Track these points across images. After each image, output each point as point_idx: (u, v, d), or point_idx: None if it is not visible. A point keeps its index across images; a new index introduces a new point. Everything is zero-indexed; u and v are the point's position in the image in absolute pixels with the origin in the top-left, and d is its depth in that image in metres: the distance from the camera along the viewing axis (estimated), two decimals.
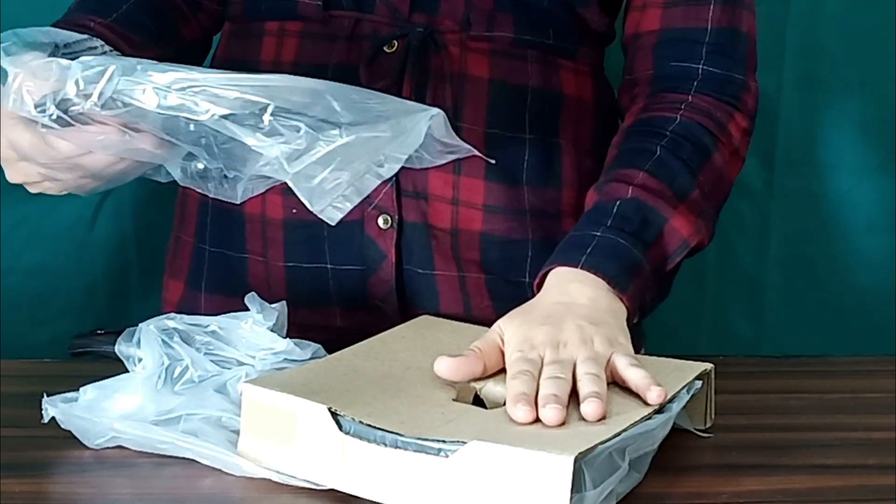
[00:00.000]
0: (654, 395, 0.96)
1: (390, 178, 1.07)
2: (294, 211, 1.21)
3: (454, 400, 0.98)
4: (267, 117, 0.94)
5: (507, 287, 1.23)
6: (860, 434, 1.06)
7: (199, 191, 1.01)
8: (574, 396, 0.96)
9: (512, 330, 1.03)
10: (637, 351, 1.12)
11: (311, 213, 1.19)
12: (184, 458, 0.97)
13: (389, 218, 1.20)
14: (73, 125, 0.97)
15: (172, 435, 0.98)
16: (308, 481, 0.93)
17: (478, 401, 1.01)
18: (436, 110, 0.98)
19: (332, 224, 0.98)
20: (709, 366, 1.04)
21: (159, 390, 1.01)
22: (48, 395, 1.01)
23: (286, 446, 0.94)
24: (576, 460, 0.85)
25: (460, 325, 1.14)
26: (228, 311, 1.06)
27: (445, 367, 0.99)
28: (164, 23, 1.26)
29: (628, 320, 1.08)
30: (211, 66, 1.28)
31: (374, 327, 1.11)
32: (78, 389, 1.02)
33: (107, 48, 1.05)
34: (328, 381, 0.98)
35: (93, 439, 0.99)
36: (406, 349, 1.07)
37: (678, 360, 1.05)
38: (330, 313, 1.23)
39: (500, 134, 1.21)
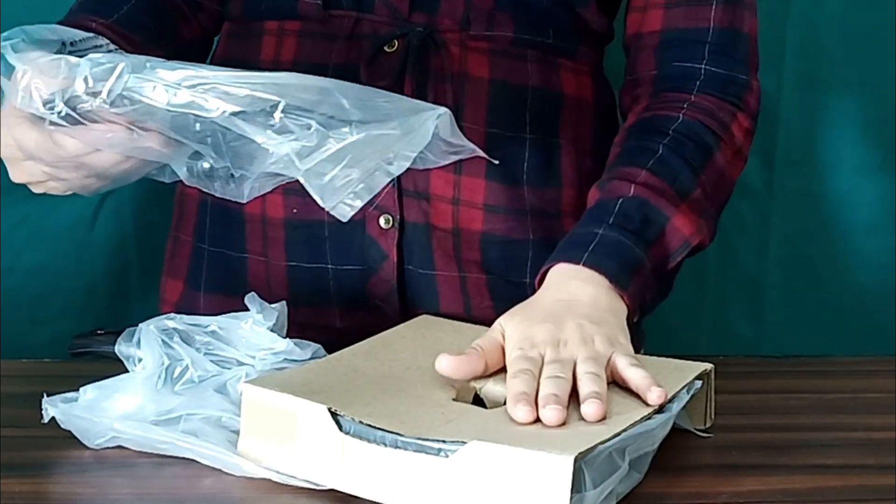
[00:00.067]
0: (655, 396, 0.96)
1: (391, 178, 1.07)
2: (295, 211, 1.22)
3: (454, 400, 0.98)
4: (278, 115, 0.94)
5: (508, 287, 1.23)
6: (860, 434, 1.06)
7: (205, 190, 1.01)
8: (574, 396, 0.96)
9: (512, 327, 1.03)
10: (637, 351, 1.12)
11: (312, 213, 1.20)
12: (184, 458, 0.97)
13: (391, 218, 1.20)
14: (81, 123, 0.97)
15: (172, 435, 0.98)
16: (308, 481, 0.93)
17: (478, 401, 1.01)
18: (443, 109, 0.98)
19: (344, 221, 0.98)
20: (709, 366, 1.04)
21: (159, 390, 1.01)
22: (48, 395, 1.01)
23: (286, 446, 0.94)
24: (576, 460, 0.85)
25: (460, 325, 1.14)
26: (228, 311, 1.06)
27: (447, 365, 0.99)
28: (165, 23, 1.26)
29: (628, 319, 1.08)
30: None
31: (374, 327, 1.11)
32: (78, 389, 1.02)
33: (112, 46, 1.05)
34: (328, 381, 0.98)
35: (93, 439, 0.99)
36: (406, 349, 1.07)
37: (678, 360, 1.05)
38: (330, 313, 1.23)
39: (501, 134, 1.21)
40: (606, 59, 1.32)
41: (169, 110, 0.95)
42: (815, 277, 1.71)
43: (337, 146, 0.94)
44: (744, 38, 1.24)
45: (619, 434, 0.90)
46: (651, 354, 1.09)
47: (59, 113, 0.96)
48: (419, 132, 0.97)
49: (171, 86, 0.94)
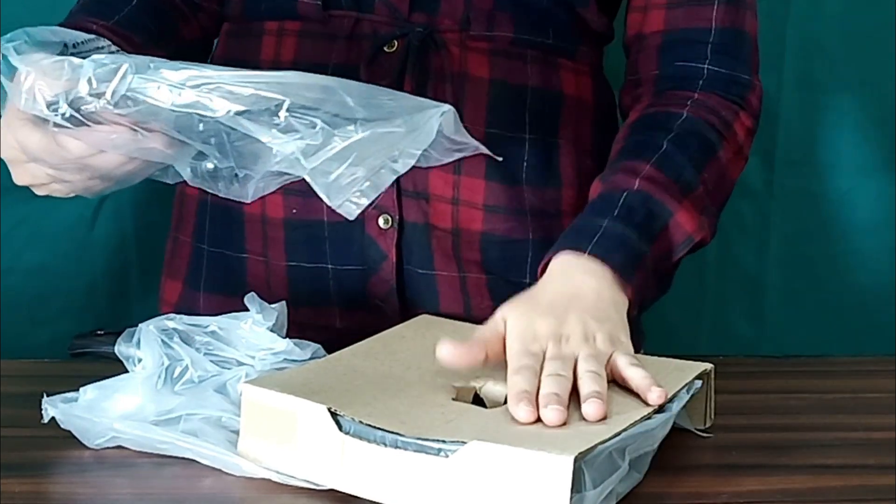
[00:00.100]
0: (655, 396, 0.96)
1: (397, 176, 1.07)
2: (294, 211, 1.21)
3: (454, 400, 0.98)
4: (283, 114, 0.94)
5: (508, 287, 1.22)
6: (860, 434, 1.06)
7: (209, 191, 1.01)
8: (574, 395, 0.96)
9: (514, 319, 1.03)
10: (637, 350, 1.12)
11: (312, 212, 1.20)
12: (184, 458, 0.97)
13: (390, 218, 1.20)
14: (85, 124, 0.97)
15: (172, 435, 0.98)
16: (308, 481, 0.93)
17: (478, 401, 1.01)
18: (447, 107, 0.98)
19: (351, 219, 0.97)
20: (709, 366, 1.04)
21: (159, 390, 1.01)
22: (48, 395, 1.01)
23: (286, 446, 0.94)
24: (576, 460, 0.85)
25: (460, 325, 1.14)
26: (227, 311, 1.06)
27: (447, 353, 0.99)
28: (165, 24, 1.26)
29: (628, 313, 1.08)
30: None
31: (374, 327, 1.11)
32: (78, 389, 1.02)
33: (114, 48, 1.05)
34: (328, 381, 0.98)
35: (93, 439, 0.99)
36: (406, 349, 1.07)
37: (678, 360, 1.05)
38: (330, 313, 1.23)
39: (500, 134, 1.21)
40: (606, 59, 1.32)
41: (173, 110, 0.94)
42: (815, 277, 1.71)
43: (342, 144, 0.94)
44: (746, 38, 1.24)
45: (619, 434, 0.90)
46: (651, 354, 1.09)
47: (63, 115, 0.96)
48: (423, 130, 0.97)
49: (175, 86, 0.94)
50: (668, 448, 0.97)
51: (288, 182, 0.99)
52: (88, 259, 1.63)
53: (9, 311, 1.60)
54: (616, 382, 1.00)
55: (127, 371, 1.03)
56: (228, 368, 1.03)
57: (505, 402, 1.00)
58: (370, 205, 1.18)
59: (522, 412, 0.93)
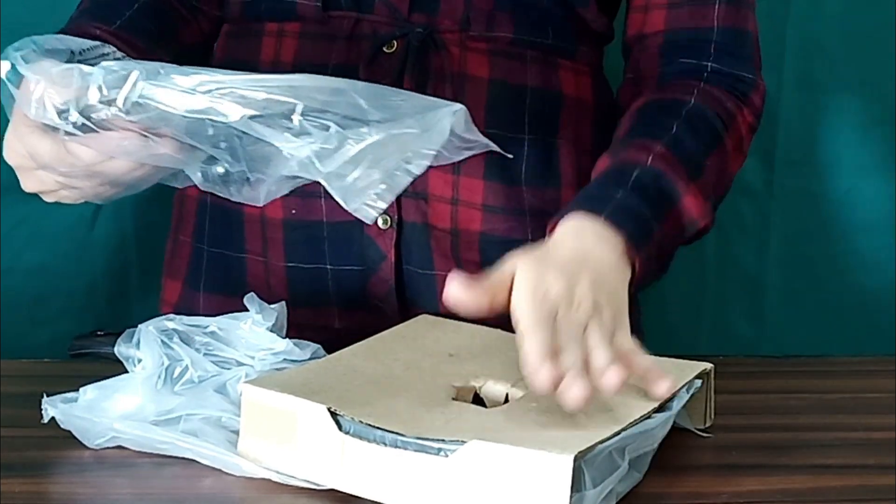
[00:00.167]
0: (664, 388, 0.95)
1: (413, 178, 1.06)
2: (293, 211, 1.21)
3: (454, 400, 0.98)
4: (297, 117, 0.93)
5: None
6: (860, 434, 1.06)
7: (220, 195, 1.00)
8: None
9: (525, 272, 0.98)
10: None
11: (311, 213, 1.20)
12: (184, 458, 0.97)
13: (389, 218, 1.20)
14: (95, 131, 0.96)
15: (172, 435, 0.98)
16: (308, 481, 0.93)
17: (478, 400, 1.01)
18: (458, 106, 0.97)
19: (369, 223, 0.97)
20: (709, 365, 1.04)
21: (159, 390, 1.01)
22: (48, 395, 1.01)
23: (286, 446, 0.94)
24: (575, 459, 0.85)
25: (460, 325, 1.14)
26: (227, 311, 1.06)
27: (454, 294, 0.96)
28: (166, 27, 1.26)
29: (629, 289, 1.06)
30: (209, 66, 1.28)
31: (373, 327, 1.11)
32: (78, 389, 1.02)
33: (119, 54, 1.04)
34: (328, 381, 0.98)
35: (93, 439, 0.99)
36: (406, 349, 1.07)
37: (678, 360, 1.05)
38: (329, 314, 1.23)
39: (500, 134, 1.21)
40: (606, 59, 1.32)
41: (185, 116, 0.94)
42: (815, 277, 1.71)
43: (357, 147, 0.93)
44: (748, 37, 1.25)
45: (618, 433, 0.90)
46: (651, 354, 1.09)
47: (74, 122, 0.95)
48: (436, 129, 0.96)
49: (186, 91, 0.94)
50: (668, 448, 0.98)
51: (300, 185, 0.99)
52: (88, 259, 1.63)
53: (9, 311, 1.60)
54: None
55: (127, 371, 1.03)
56: (228, 368, 1.03)
57: (505, 402, 1.00)
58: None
59: (544, 376, 0.91)
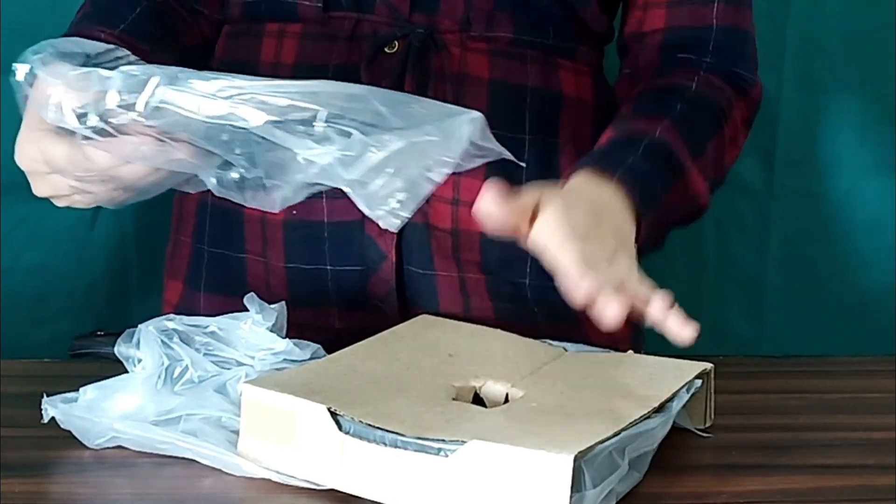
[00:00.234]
0: (690, 332, 0.94)
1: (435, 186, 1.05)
2: (294, 212, 1.21)
3: (454, 400, 0.99)
4: (320, 124, 0.93)
5: (507, 287, 1.23)
6: (860, 434, 1.06)
7: (234, 200, 0.99)
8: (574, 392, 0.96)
9: (552, 199, 0.98)
10: (637, 351, 1.12)
11: (311, 214, 1.20)
12: (184, 458, 0.97)
13: None
14: (113, 136, 0.95)
15: (172, 435, 0.98)
16: (308, 481, 0.93)
17: (478, 400, 1.01)
18: (476, 113, 0.96)
19: (394, 231, 0.96)
20: (708, 365, 1.04)
21: (159, 390, 1.01)
22: (48, 395, 1.01)
23: (286, 446, 0.94)
24: (575, 459, 0.85)
25: (460, 325, 1.14)
26: (227, 311, 1.06)
27: (486, 205, 0.95)
28: (168, 31, 1.26)
29: None
30: (210, 69, 1.28)
31: (373, 327, 1.11)
32: (78, 389, 1.02)
33: (132, 58, 1.03)
34: (328, 381, 0.98)
35: (93, 439, 0.99)
36: (406, 349, 1.07)
37: (678, 360, 1.05)
38: (329, 314, 1.23)
39: (501, 134, 1.20)
40: (606, 59, 1.32)
41: (205, 122, 0.93)
42: (815, 277, 1.71)
43: (380, 155, 0.92)
44: (747, 36, 1.26)
45: (618, 433, 0.90)
46: (651, 354, 1.09)
47: (93, 127, 0.94)
48: (454, 137, 0.95)
49: (206, 96, 0.93)
50: (668, 448, 0.98)
51: (315, 191, 0.98)
52: (88, 259, 1.63)
53: (9, 311, 1.60)
54: (612, 383, 1.00)
55: (127, 371, 1.03)
56: (228, 368, 1.03)
57: (505, 402, 1.00)
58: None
59: (588, 285, 0.91)
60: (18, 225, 1.60)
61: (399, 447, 0.90)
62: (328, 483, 0.93)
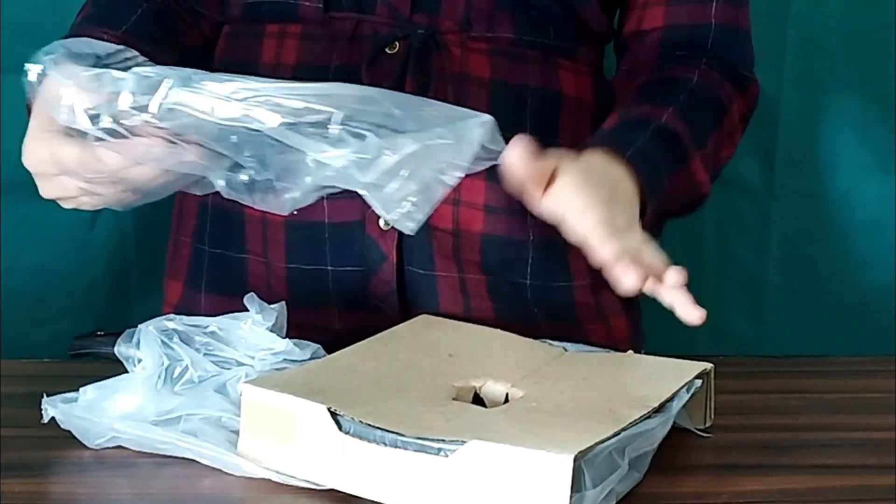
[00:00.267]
0: (698, 315, 0.96)
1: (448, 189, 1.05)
2: (295, 212, 1.21)
3: (454, 400, 0.99)
4: (336, 127, 0.92)
5: (508, 288, 1.23)
6: (860, 434, 1.06)
7: (243, 202, 0.99)
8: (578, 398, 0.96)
9: (572, 166, 0.99)
10: (637, 351, 1.12)
11: (312, 214, 1.20)
12: (184, 458, 0.97)
13: None
14: (125, 137, 0.95)
15: (172, 435, 0.98)
16: (308, 481, 0.93)
17: (478, 400, 1.01)
18: (487, 116, 0.96)
19: (411, 234, 0.96)
20: (708, 365, 1.04)
21: (159, 390, 1.01)
22: (48, 395, 1.01)
23: (286, 446, 0.94)
24: (575, 459, 0.85)
25: (460, 325, 1.14)
26: (228, 312, 1.06)
27: (516, 155, 0.96)
28: (169, 32, 1.25)
29: None
30: (210, 70, 1.28)
31: (373, 328, 1.11)
32: (78, 389, 1.02)
33: (140, 58, 1.03)
34: (328, 381, 0.98)
35: (93, 439, 0.99)
36: (406, 349, 1.07)
37: (678, 360, 1.05)
38: (329, 314, 1.23)
39: (502, 134, 1.21)
40: (606, 58, 1.32)
41: (219, 124, 0.93)
42: (815, 277, 1.71)
43: (395, 158, 0.92)
44: (745, 35, 1.27)
45: (618, 433, 0.90)
46: (651, 354, 1.09)
47: (105, 128, 0.94)
48: (466, 140, 0.95)
49: (220, 98, 0.93)
50: (668, 448, 0.97)
51: (325, 194, 0.98)
52: (88, 259, 1.63)
53: (9, 311, 1.60)
54: (612, 385, 1.00)
55: (127, 371, 1.03)
56: (228, 368, 1.03)
57: (504, 402, 1.00)
58: (368, 206, 1.18)
59: (614, 247, 0.93)
60: (18, 225, 1.60)
61: (399, 447, 0.90)
62: (328, 483, 0.93)
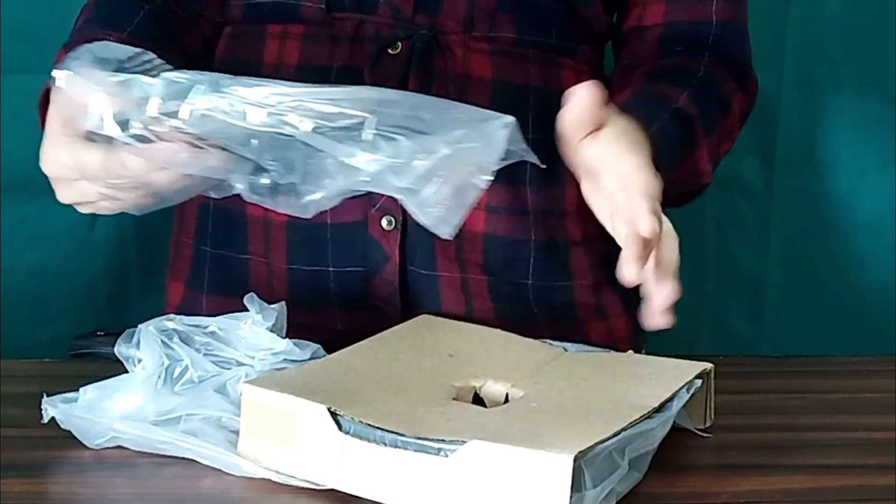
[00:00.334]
0: (660, 322, 0.97)
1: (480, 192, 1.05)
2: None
3: (454, 400, 0.99)
4: (370, 131, 0.92)
5: (509, 288, 1.23)
6: (860, 434, 1.06)
7: (264, 206, 0.98)
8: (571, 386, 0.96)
9: (614, 122, 1.01)
10: (637, 351, 1.12)
11: (315, 216, 1.20)
12: (184, 458, 0.97)
13: (393, 219, 1.20)
14: (152, 142, 0.94)
15: (172, 435, 0.98)
16: (308, 481, 0.93)
17: (478, 400, 1.01)
18: (509, 118, 0.96)
19: (449, 238, 0.95)
20: (708, 365, 1.04)
21: (159, 390, 1.01)
22: (48, 395, 1.01)
23: (286, 446, 0.94)
24: (575, 459, 0.85)
25: (460, 325, 1.14)
26: (229, 313, 1.06)
27: (585, 92, 0.98)
28: (171, 34, 1.25)
29: None
30: (211, 70, 1.28)
31: (374, 328, 1.11)
32: (78, 389, 1.02)
33: (157, 61, 1.02)
34: (328, 381, 0.98)
35: (93, 439, 0.99)
36: (406, 349, 1.07)
37: (678, 360, 1.05)
38: (331, 315, 1.23)
39: None
40: (606, 58, 1.32)
41: (250, 129, 0.92)
42: (815, 277, 1.71)
43: (429, 162, 0.92)
44: (744, 32, 1.27)
45: (618, 433, 0.90)
46: (651, 354, 1.09)
47: (134, 134, 0.93)
48: (493, 142, 0.94)
49: (252, 104, 0.92)
50: (668, 448, 0.97)
51: (347, 197, 0.97)
52: (88, 259, 1.63)
53: (9, 311, 1.60)
54: (613, 385, 1.00)
55: (127, 371, 1.03)
56: (228, 368, 1.03)
57: (504, 402, 1.00)
58: (371, 206, 1.19)
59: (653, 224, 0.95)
60: (18, 225, 1.60)
61: (399, 447, 0.90)
62: (328, 483, 0.93)
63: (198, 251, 1.29)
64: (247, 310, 1.05)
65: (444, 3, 1.21)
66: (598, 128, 1.01)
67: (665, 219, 0.99)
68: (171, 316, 1.05)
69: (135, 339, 1.03)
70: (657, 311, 0.97)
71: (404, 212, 1.20)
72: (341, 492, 0.92)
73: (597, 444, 0.88)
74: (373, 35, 1.21)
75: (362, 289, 1.22)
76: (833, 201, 1.70)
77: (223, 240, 1.27)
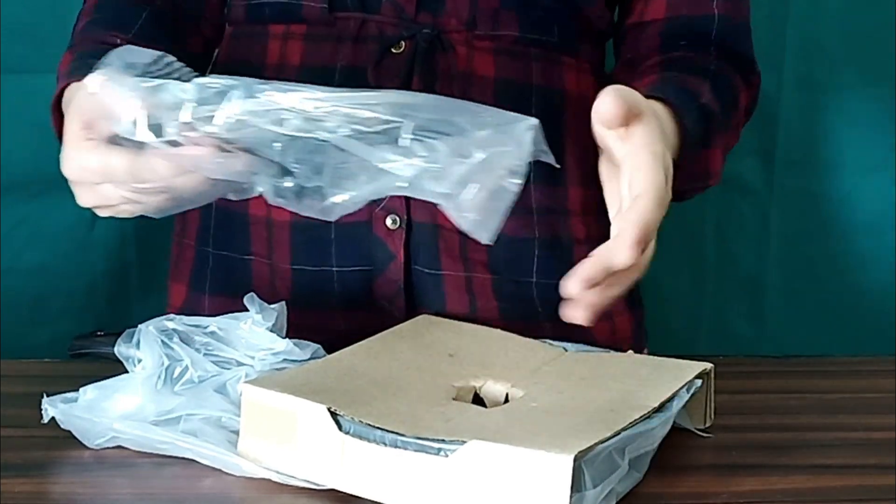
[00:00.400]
0: (576, 316, 0.96)
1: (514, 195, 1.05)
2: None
3: (454, 400, 0.99)
4: (407, 136, 0.91)
5: (513, 287, 1.23)
6: (860, 434, 1.06)
7: (289, 209, 0.97)
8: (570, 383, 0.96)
9: (648, 117, 0.99)
10: (639, 351, 1.12)
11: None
12: (184, 458, 0.97)
13: (398, 218, 1.20)
14: (178, 146, 0.94)
15: (172, 435, 0.98)
16: (308, 481, 0.93)
17: (478, 400, 1.01)
18: (534, 120, 0.95)
19: (490, 243, 0.95)
20: (709, 365, 1.04)
21: (159, 390, 1.01)
22: (48, 395, 1.01)
23: (286, 446, 0.94)
24: (575, 459, 0.85)
25: (461, 325, 1.14)
26: (232, 313, 1.06)
27: (612, 96, 0.96)
28: (171, 35, 1.25)
29: None
30: (212, 71, 1.28)
31: (377, 328, 1.11)
32: (78, 389, 1.02)
33: (177, 64, 1.01)
34: (328, 381, 0.98)
35: (93, 439, 0.99)
36: (406, 349, 1.07)
37: (678, 360, 1.05)
38: (333, 315, 1.23)
39: None
40: (607, 57, 1.32)
41: (286, 134, 0.92)
42: (815, 277, 1.71)
43: (464, 167, 0.92)
44: (747, 28, 1.28)
45: (618, 433, 0.90)
46: (651, 354, 1.09)
47: (166, 140, 0.93)
48: (522, 145, 0.94)
49: (287, 109, 0.92)
50: (668, 448, 0.98)
51: (372, 200, 0.97)
52: (88, 259, 1.63)
53: (9, 311, 1.60)
54: (614, 385, 1.00)
55: (127, 371, 1.03)
56: (228, 368, 1.03)
57: (504, 402, 1.00)
58: (375, 205, 1.18)
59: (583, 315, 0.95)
60: (18, 225, 1.60)
61: (399, 447, 0.90)
62: (328, 483, 0.93)
63: (200, 253, 1.29)
64: (247, 310, 1.05)
65: (447, 2, 1.21)
66: (634, 117, 0.98)
67: (649, 249, 0.98)
68: (171, 316, 1.05)
69: (135, 339, 1.03)
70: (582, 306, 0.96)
71: (409, 211, 1.20)
72: (341, 492, 0.92)
73: (597, 444, 0.88)
74: (376, 34, 1.21)
75: (366, 289, 1.21)
76: (833, 201, 1.70)
77: (226, 241, 1.27)
